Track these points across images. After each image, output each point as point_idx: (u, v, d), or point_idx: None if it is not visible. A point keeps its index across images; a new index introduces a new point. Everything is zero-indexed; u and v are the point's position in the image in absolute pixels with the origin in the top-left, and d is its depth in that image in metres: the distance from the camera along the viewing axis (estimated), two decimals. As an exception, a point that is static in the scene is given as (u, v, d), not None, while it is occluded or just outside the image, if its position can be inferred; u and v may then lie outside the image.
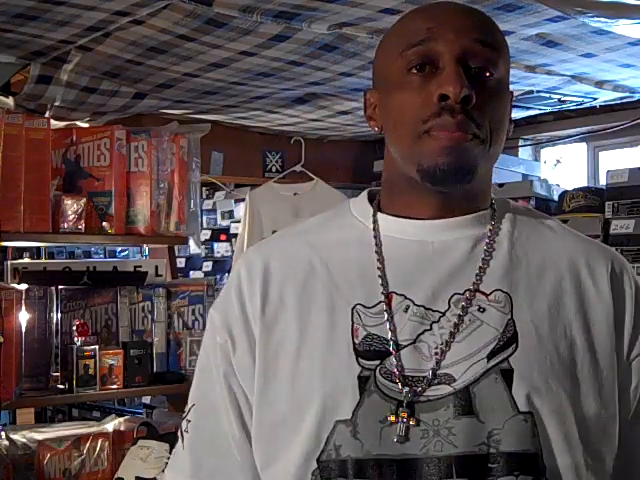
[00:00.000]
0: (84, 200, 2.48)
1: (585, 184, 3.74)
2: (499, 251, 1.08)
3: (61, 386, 2.44)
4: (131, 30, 2.36)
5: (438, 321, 1.03)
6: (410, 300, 1.04)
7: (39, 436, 2.40)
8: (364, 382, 1.00)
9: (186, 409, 1.16)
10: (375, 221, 1.11)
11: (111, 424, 2.54)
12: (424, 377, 1.00)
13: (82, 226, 2.47)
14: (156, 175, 2.63)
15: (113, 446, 2.47)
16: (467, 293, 1.04)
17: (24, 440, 2.37)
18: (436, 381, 1.00)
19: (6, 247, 3.83)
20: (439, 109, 1.01)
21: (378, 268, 1.07)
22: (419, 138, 1.03)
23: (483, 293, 1.05)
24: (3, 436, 2.36)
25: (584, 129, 3.75)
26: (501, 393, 0.99)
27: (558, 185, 3.52)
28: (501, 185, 3.35)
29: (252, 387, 1.07)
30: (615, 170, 3.04)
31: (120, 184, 2.57)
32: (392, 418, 0.98)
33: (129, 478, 2.34)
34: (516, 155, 3.95)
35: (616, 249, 2.87)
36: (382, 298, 1.05)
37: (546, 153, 4.13)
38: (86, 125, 3.11)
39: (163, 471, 2.30)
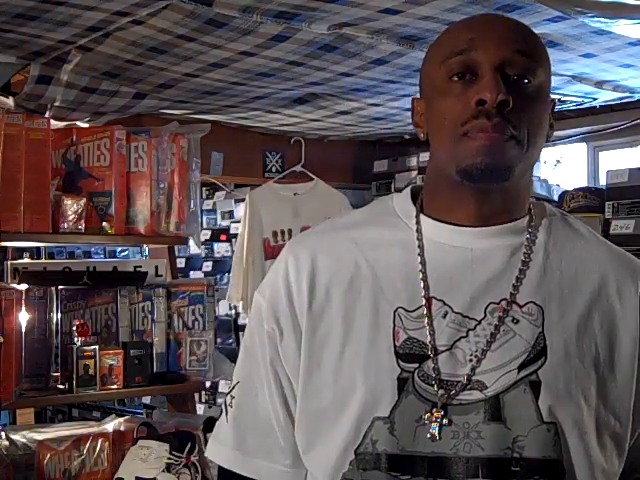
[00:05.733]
0: (84, 200, 2.48)
1: (585, 184, 3.72)
2: (535, 261, 1.13)
3: (61, 386, 2.44)
4: (131, 30, 2.36)
5: (474, 329, 1.09)
6: (449, 306, 1.10)
7: (39, 436, 2.40)
8: (403, 383, 1.08)
9: (231, 385, 1.22)
10: (418, 222, 1.16)
11: (111, 424, 2.54)
12: (458, 382, 1.07)
13: (82, 226, 2.47)
14: (156, 175, 2.63)
15: (113, 446, 2.47)
16: (503, 303, 1.10)
17: (24, 440, 2.37)
18: (469, 387, 1.07)
19: (6, 247, 3.82)
20: (477, 113, 1.06)
21: (420, 271, 1.12)
22: (458, 140, 1.08)
23: (517, 304, 1.10)
24: (3, 436, 2.36)
25: (584, 129, 3.74)
26: (528, 403, 1.06)
27: (558, 185, 3.51)
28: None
29: (297, 375, 1.14)
30: (615, 170, 3.04)
31: (120, 184, 2.57)
32: (427, 417, 1.06)
33: (129, 478, 2.34)
34: (516, 155, 3.94)
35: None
36: (423, 302, 1.10)
37: (546, 153, 4.12)
38: (86, 125, 3.10)
39: (163, 471, 2.30)
